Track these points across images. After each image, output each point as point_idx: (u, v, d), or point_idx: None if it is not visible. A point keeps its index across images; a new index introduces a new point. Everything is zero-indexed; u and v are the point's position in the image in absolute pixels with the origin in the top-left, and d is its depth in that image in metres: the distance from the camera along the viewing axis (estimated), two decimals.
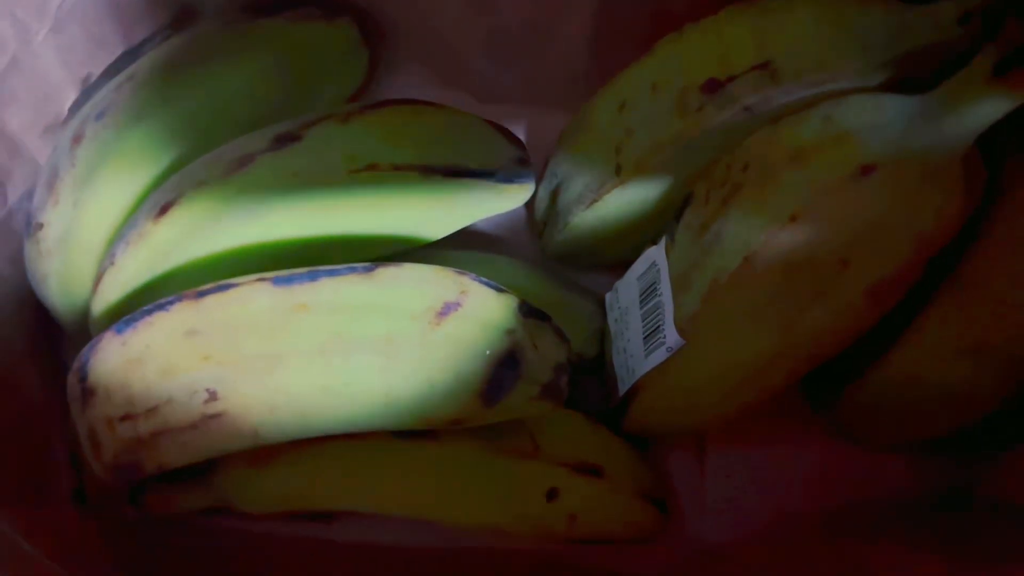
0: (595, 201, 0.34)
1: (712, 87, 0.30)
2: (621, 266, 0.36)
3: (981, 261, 0.29)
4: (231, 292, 0.29)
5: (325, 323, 0.29)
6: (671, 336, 0.31)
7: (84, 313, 0.34)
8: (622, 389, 0.35)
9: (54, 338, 0.37)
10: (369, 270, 0.30)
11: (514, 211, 0.35)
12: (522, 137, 0.40)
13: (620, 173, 0.33)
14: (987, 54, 0.25)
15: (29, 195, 0.35)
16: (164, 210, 0.31)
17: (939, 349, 0.31)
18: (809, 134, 0.28)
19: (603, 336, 0.37)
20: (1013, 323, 0.30)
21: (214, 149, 0.33)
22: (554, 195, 0.37)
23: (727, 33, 0.31)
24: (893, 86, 0.29)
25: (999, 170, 0.29)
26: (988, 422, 0.32)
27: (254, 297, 0.29)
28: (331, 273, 0.29)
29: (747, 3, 0.31)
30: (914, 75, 0.29)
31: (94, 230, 0.34)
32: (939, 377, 0.31)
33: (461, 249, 0.36)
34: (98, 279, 0.32)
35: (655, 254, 0.33)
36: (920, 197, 0.27)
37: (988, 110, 0.26)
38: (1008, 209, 0.29)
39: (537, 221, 0.39)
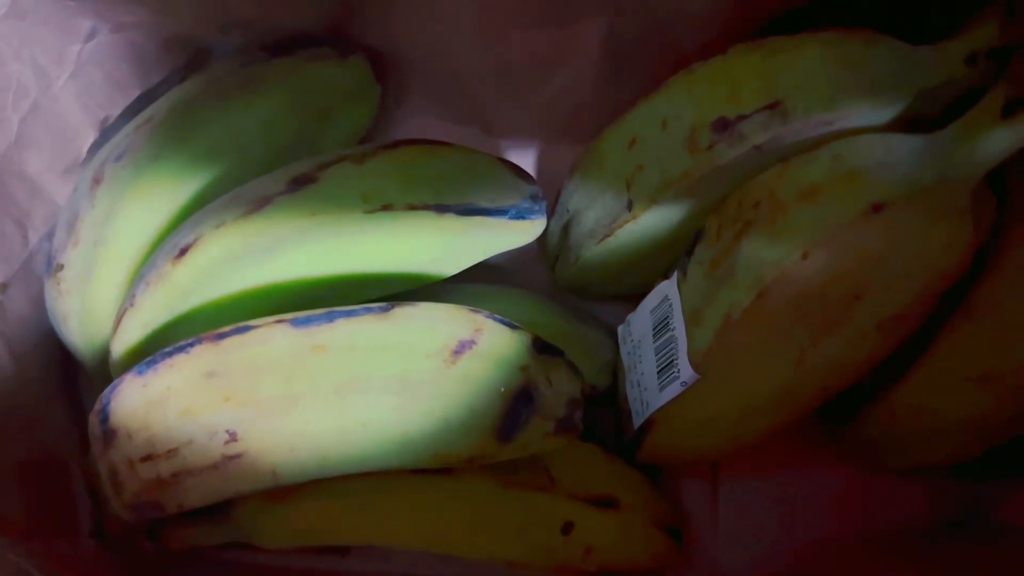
0: (607, 236, 0.35)
1: (722, 126, 0.31)
2: (634, 297, 0.36)
3: (990, 290, 0.30)
4: (250, 334, 0.29)
5: (342, 363, 0.29)
6: (685, 370, 0.32)
7: (104, 352, 0.34)
8: (636, 422, 0.35)
9: (75, 376, 0.38)
10: (385, 310, 0.30)
11: (527, 243, 0.36)
12: (532, 170, 0.40)
13: (632, 208, 0.34)
14: (995, 94, 0.26)
15: (49, 236, 0.36)
16: (183, 252, 0.31)
17: (950, 377, 0.31)
18: (819, 172, 0.28)
19: (615, 367, 0.37)
20: (1022, 352, 0.30)
21: (232, 188, 0.33)
22: (566, 229, 0.37)
23: (736, 72, 0.31)
24: (902, 125, 0.29)
25: (1006, 201, 0.29)
26: (1002, 448, 0.32)
27: (273, 338, 0.29)
28: (348, 314, 0.30)
29: (755, 42, 0.31)
30: (922, 114, 0.29)
31: (114, 271, 0.34)
32: (951, 405, 0.31)
33: (474, 282, 0.37)
34: (118, 320, 0.32)
35: (667, 288, 0.33)
36: (930, 233, 0.28)
37: (997, 149, 0.26)
38: (1016, 239, 0.29)
39: (549, 254, 0.39)
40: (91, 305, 0.34)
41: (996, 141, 0.26)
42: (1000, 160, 0.26)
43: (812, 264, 0.28)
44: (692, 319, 0.32)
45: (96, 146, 0.36)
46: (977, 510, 0.35)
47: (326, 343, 0.29)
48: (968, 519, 0.35)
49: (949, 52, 0.28)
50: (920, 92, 0.28)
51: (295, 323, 0.29)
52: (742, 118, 0.30)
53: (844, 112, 0.29)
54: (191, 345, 0.30)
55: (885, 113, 0.29)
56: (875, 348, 0.30)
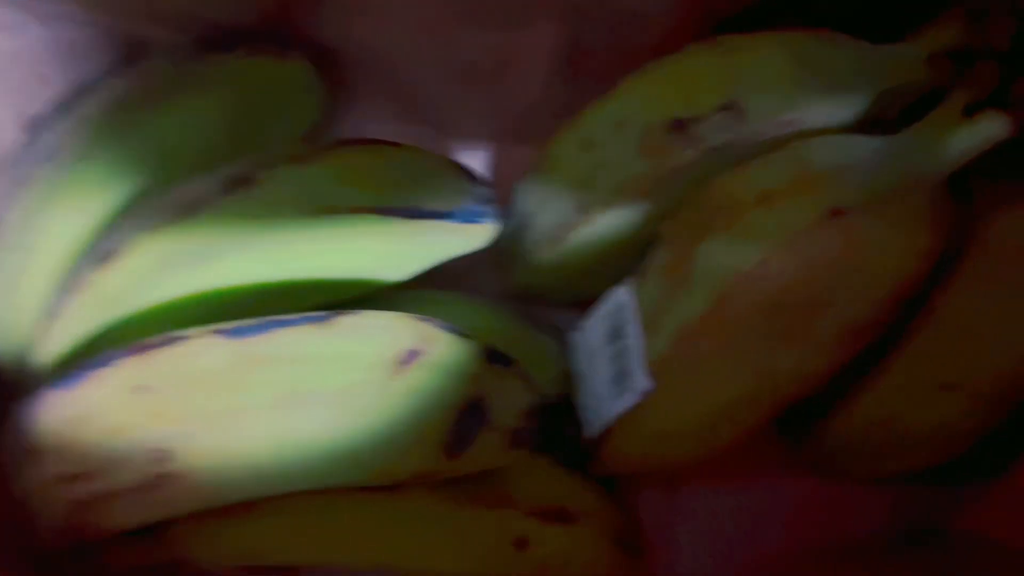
0: (561, 240, 0.34)
1: (677, 127, 0.30)
2: (590, 302, 0.35)
3: (953, 297, 0.29)
4: (181, 345, 0.28)
5: (280, 376, 0.28)
6: (641, 379, 0.31)
7: (27, 364, 0.32)
8: (591, 432, 0.34)
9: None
10: (326, 319, 0.29)
11: (479, 248, 0.35)
12: (486, 171, 0.39)
13: (586, 212, 0.33)
14: (957, 96, 0.25)
15: None
16: (110, 258, 0.29)
17: (913, 386, 0.31)
18: (778, 176, 0.28)
19: (570, 376, 0.36)
20: (986, 359, 0.30)
21: (162, 190, 0.32)
22: (520, 233, 0.36)
23: (691, 72, 0.30)
24: (862, 125, 0.28)
25: (969, 204, 0.29)
26: (966, 456, 0.32)
27: (205, 350, 0.28)
28: (286, 323, 0.28)
29: (711, 41, 0.30)
30: (883, 114, 0.28)
31: (38, 278, 0.32)
32: (913, 414, 0.31)
33: (424, 288, 0.35)
34: (41, 330, 0.31)
35: (623, 295, 0.32)
36: (891, 239, 0.27)
37: (959, 152, 0.25)
38: (979, 246, 0.29)
39: (503, 258, 0.38)
40: (12, 314, 0.32)
41: (958, 144, 0.25)
42: (962, 163, 0.26)
43: (771, 270, 0.28)
44: (648, 326, 0.31)
45: (23, 145, 0.35)
46: (937, 518, 0.34)
47: (262, 354, 0.28)
48: (929, 527, 0.34)
49: (910, 52, 0.28)
50: (880, 92, 0.28)
51: (229, 333, 0.28)
52: (698, 119, 0.30)
53: (803, 113, 0.28)
54: (117, 357, 0.28)
55: (845, 114, 0.28)
56: (836, 355, 0.30)
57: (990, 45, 0.24)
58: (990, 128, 0.24)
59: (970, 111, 0.24)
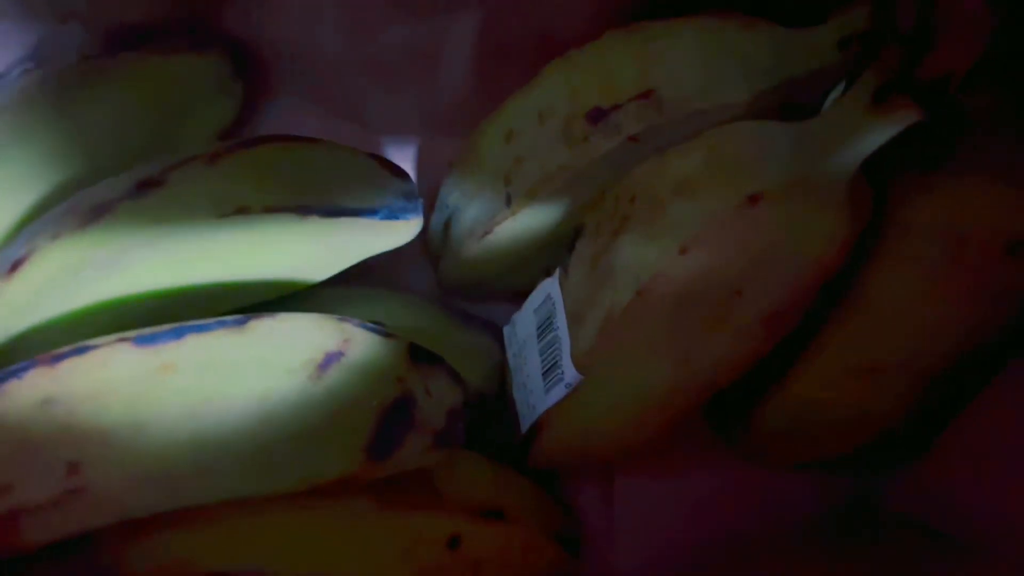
0: (487, 233, 0.33)
1: (597, 116, 0.30)
2: (523, 294, 0.35)
3: (872, 282, 0.29)
4: (89, 355, 0.27)
5: (194, 384, 0.27)
6: (569, 371, 0.30)
7: None
8: (524, 425, 0.34)
9: None
10: (241, 323, 0.28)
11: (408, 242, 0.34)
12: (411, 167, 0.39)
13: (511, 204, 0.32)
14: (866, 80, 0.25)
15: None
16: (16, 267, 0.28)
17: (835, 370, 0.31)
18: (694, 164, 0.27)
19: (502, 371, 0.36)
20: (906, 342, 0.30)
21: (73, 195, 0.31)
22: (447, 226, 0.36)
23: (610, 60, 0.30)
24: (778, 112, 0.28)
25: (884, 189, 0.29)
26: (889, 438, 0.32)
27: (115, 359, 0.27)
28: (199, 329, 0.27)
29: (630, 28, 0.30)
30: (799, 100, 0.28)
31: None
32: (837, 398, 0.31)
33: (349, 284, 0.35)
34: None
35: (549, 287, 0.32)
36: (809, 224, 0.27)
37: (871, 136, 0.25)
38: (896, 230, 0.29)
39: (432, 253, 0.37)
40: None
41: (869, 129, 0.25)
42: (874, 148, 0.25)
43: (690, 260, 0.27)
44: (574, 318, 0.31)
45: None
46: (866, 501, 0.35)
47: (174, 362, 0.27)
48: (860, 510, 0.34)
49: (821, 36, 0.27)
50: (794, 78, 0.28)
51: (139, 341, 0.27)
52: (616, 108, 0.29)
53: (719, 101, 0.28)
54: (24, 369, 0.27)
55: (760, 101, 0.28)
56: (759, 343, 0.30)
57: (894, 27, 0.24)
58: (899, 115, 0.24)
59: (879, 97, 0.24)
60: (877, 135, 0.25)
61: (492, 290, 0.37)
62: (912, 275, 0.29)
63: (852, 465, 0.34)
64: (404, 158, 0.38)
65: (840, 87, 0.28)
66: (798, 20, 0.29)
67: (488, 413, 0.36)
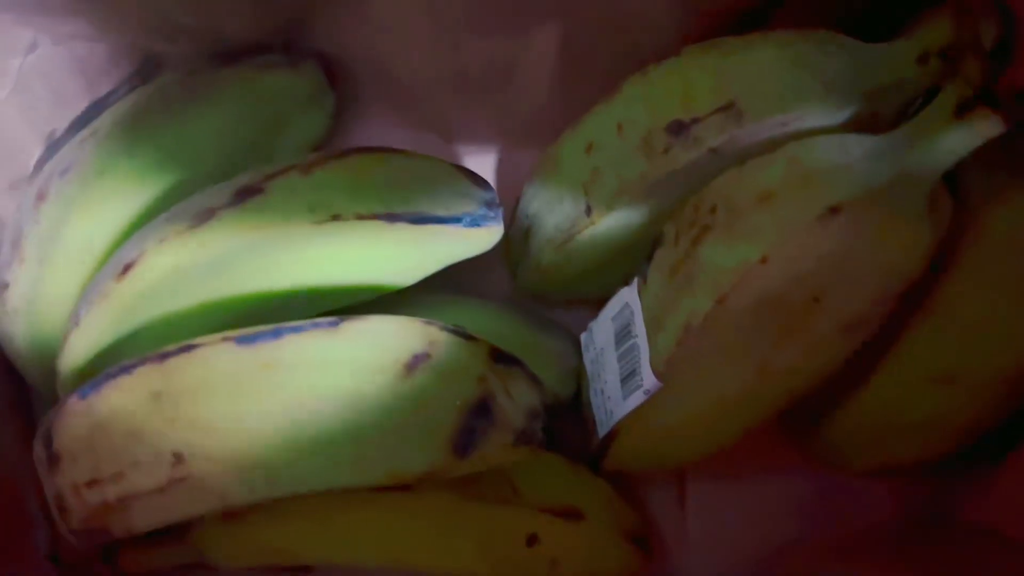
0: (567, 242, 0.34)
1: (677, 128, 0.30)
2: (598, 302, 0.35)
3: (950, 290, 0.29)
4: (195, 353, 0.29)
5: (290, 381, 0.28)
6: (648, 378, 0.31)
7: (53, 373, 0.33)
8: (601, 431, 0.34)
9: (28, 396, 0.37)
10: (334, 325, 0.29)
11: (486, 251, 0.35)
12: (491, 177, 0.40)
13: (590, 214, 0.33)
14: (949, 93, 0.25)
15: None
16: (127, 269, 0.30)
17: (913, 377, 0.31)
18: (776, 176, 0.28)
19: (578, 376, 0.36)
20: (984, 350, 0.30)
21: (180, 201, 0.33)
22: (526, 235, 0.37)
23: (690, 74, 0.30)
24: (857, 125, 0.28)
25: (962, 198, 0.29)
26: (967, 446, 0.32)
27: (218, 357, 0.28)
28: (295, 330, 0.29)
29: (709, 43, 0.31)
30: (878, 113, 0.28)
31: (60, 289, 0.33)
32: (914, 405, 0.31)
33: (432, 291, 0.36)
34: (64, 340, 0.31)
35: (628, 295, 0.33)
36: (889, 235, 0.27)
37: (953, 149, 0.25)
38: (974, 237, 0.29)
39: (510, 260, 0.38)
40: (38, 325, 0.33)
41: (951, 141, 0.25)
42: (955, 160, 0.26)
43: (771, 269, 0.28)
44: (653, 326, 0.31)
45: (42, 161, 0.36)
46: (943, 509, 0.34)
47: (273, 361, 0.28)
48: (935, 518, 0.34)
49: (901, 51, 0.28)
50: (873, 92, 0.28)
51: (241, 340, 0.29)
52: (697, 120, 0.30)
53: (798, 113, 0.28)
54: (135, 366, 0.29)
55: (840, 113, 0.28)
56: (837, 351, 0.30)
57: (977, 42, 0.24)
58: (981, 126, 0.24)
59: (961, 110, 0.24)
60: (960, 146, 0.25)
61: (568, 297, 0.38)
62: (991, 283, 0.29)
63: (928, 473, 0.33)
64: (485, 168, 0.39)
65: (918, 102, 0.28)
66: (873, 35, 0.29)
67: (564, 418, 0.36)
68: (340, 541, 0.33)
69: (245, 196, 0.31)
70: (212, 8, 0.34)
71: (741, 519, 0.36)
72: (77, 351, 0.31)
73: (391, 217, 0.31)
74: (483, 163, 0.40)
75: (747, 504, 0.36)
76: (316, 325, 0.29)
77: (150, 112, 0.35)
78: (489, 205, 0.33)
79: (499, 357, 0.30)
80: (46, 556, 0.35)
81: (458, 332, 0.30)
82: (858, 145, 0.27)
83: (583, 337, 0.36)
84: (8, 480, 0.34)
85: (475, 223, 0.32)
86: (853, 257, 0.27)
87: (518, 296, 0.38)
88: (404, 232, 0.31)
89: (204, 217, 0.30)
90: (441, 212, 0.32)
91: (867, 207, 0.27)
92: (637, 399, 0.32)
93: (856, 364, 0.30)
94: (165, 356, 0.29)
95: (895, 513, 0.35)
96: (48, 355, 0.34)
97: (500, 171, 0.40)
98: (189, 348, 0.29)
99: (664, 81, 0.31)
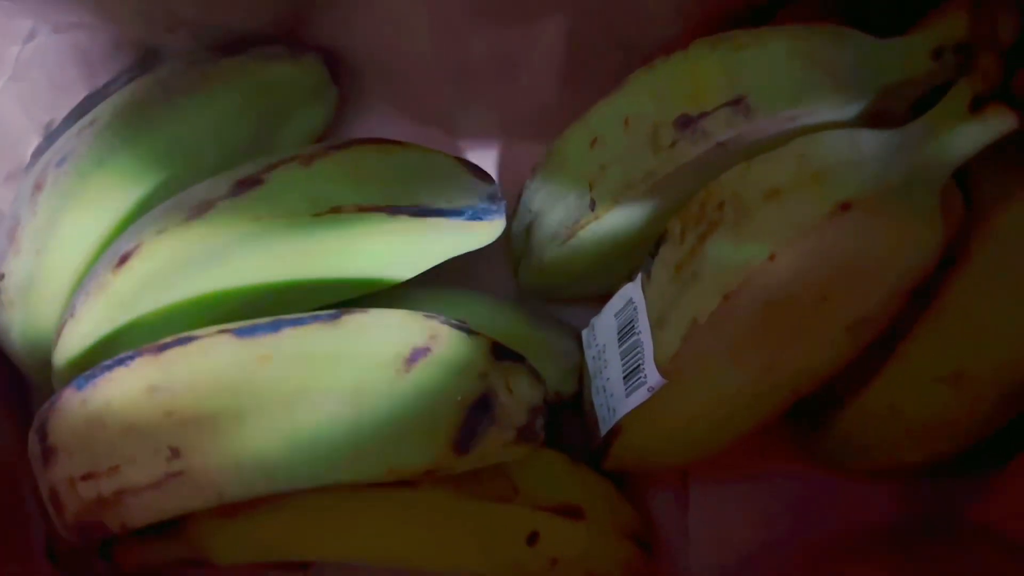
0: (570, 237, 0.34)
1: (685, 123, 0.30)
2: (601, 299, 0.35)
3: (959, 289, 0.29)
4: (192, 345, 0.28)
5: (289, 375, 0.28)
6: (652, 376, 0.31)
7: (49, 364, 0.33)
8: (603, 429, 0.34)
9: (25, 389, 0.37)
10: (334, 318, 0.29)
11: (489, 244, 0.35)
12: (494, 170, 0.39)
13: (595, 209, 0.33)
14: (961, 89, 0.25)
15: None
16: (124, 260, 0.30)
17: (919, 377, 0.30)
18: (785, 171, 0.27)
19: (581, 373, 0.36)
20: (992, 350, 0.29)
21: (178, 192, 0.32)
22: (528, 230, 0.36)
23: (698, 68, 0.30)
24: (868, 120, 0.28)
25: (973, 196, 0.29)
26: (971, 447, 0.31)
27: (216, 350, 0.28)
28: (295, 323, 0.28)
29: (717, 36, 0.30)
30: (889, 109, 0.28)
31: (57, 279, 0.33)
32: (920, 406, 0.31)
33: (433, 285, 0.36)
34: (59, 331, 0.31)
35: (632, 291, 0.32)
36: (898, 232, 0.27)
37: (965, 145, 0.25)
38: (984, 236, 0.29)
39: (512, 255, 0.38)
40: (34, 316, 0.33)
41: (964, 137, 0.25)
42: (968, 156, 0.25)
43: (779, 266, 0.27)
44: (658, 323, 0.31)
45: (40, 151, 0.35)
46: (948, 510, 0.34)
47: (272, 353, 0.28)
48: (939, 519, 0.34)
49: (914, 46, 0.27)
50: (885, 87, 0.27)
51: (239, 333, 0.28)
52: (705, 115, 0.29)
53: (809, 108, 0.28)
54: (131, 358, 0.28)
55: (851, 108, 0.28)
56: (844, 350, 0.29)
57: (994, 38, 0.24)
58: (995, 123, 0.24)
59: (975, 105, 0.24)
60: (973, 142, 0.25)
61: (571, 293, 0.38)
62: (1000, 283, 0.28)
63: (932, 473, 0.33)
64: (487, 162, 0.39)
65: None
66: (885, 30, 0.29)
67: (566, 415, 0.36)
68: (339, 538, 0.32)
69: (244, 187, 0.30)
70: (213, 0, 0.34)
71: (742, 519, 0.36)
72: (73, 343, 0.31)
73: (392, 209, 0.31)
74: (485, 157, 0.39)
75: (748, 504, 0.36)
76: (316, 318, 0.29)
77: (150, 103, 0.35)
78: (491, 198, 0.33)
79: (501, 353, 0.30)
80: (44, 554, 0.34)
81: (460, 327, 0.30)
82: (869, 141, 0.27)
83: (585, 334, 0.36)
84: (5, 475, 0.34)
85: (477, 216, 0.32)
86: (863, 255, 0.27)
87: (519, 292, 0.38)
88: (405, 224, 0.31)
89: (203, 208, 0.30)
90: (443, 205, 0.32)
91: (878, 204, 0.26)
92: (640, 396, 0.31)
93: (861, 363, 0.30)
94: (162, 348, 0.28)
95: (896, 514, 0.35)
96: (44, 347, 0.33)
97: (502, 165, 0.39)
98: (187, 340, 0.28)
99: (672, 75, 0.31)
